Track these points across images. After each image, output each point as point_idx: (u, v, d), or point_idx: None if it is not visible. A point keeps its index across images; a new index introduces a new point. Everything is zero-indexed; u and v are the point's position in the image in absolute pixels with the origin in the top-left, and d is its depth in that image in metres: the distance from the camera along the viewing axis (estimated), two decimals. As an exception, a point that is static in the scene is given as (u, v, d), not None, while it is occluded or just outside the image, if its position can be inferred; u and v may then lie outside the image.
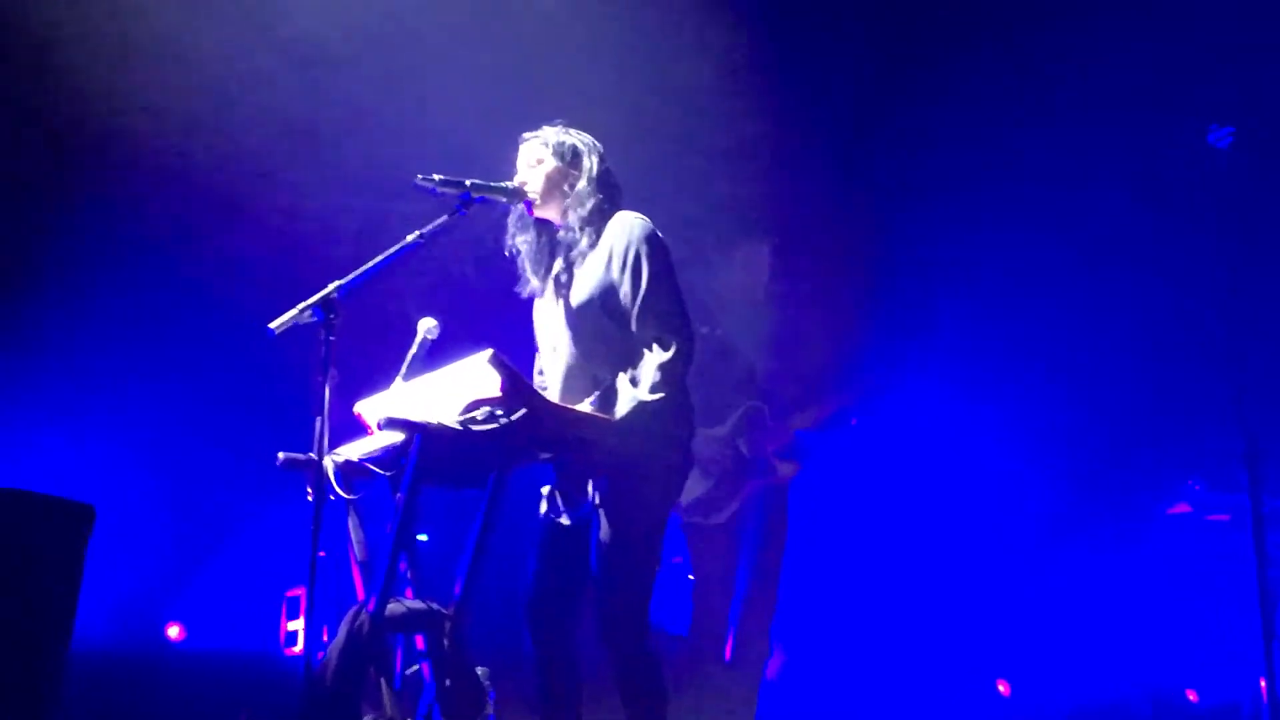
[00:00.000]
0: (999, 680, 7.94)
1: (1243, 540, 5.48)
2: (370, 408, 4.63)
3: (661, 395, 4.40)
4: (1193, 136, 5.46)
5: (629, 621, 4.46)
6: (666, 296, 4.55)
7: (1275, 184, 6.22)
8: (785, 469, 6.59)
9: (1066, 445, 7.75)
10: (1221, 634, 6.92)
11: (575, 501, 4.57)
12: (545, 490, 4.72)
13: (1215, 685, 7.20)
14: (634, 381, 4.44)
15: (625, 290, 4.55)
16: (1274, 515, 6.29)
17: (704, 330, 6.48)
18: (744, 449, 6.54)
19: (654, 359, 4.44)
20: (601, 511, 4.45)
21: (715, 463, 6.49)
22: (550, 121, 4.83)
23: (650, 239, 4.59)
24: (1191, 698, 7.43)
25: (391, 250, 4.53)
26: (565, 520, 4.60)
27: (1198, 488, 7.02)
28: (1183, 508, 7.08)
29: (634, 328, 4.54)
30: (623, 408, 4.40)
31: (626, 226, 4.62)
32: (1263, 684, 5.14)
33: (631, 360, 4.50)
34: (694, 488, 6.40)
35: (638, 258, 4.55)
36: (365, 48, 7.13)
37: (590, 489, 4.49)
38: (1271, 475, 5.45)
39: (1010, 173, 7.57)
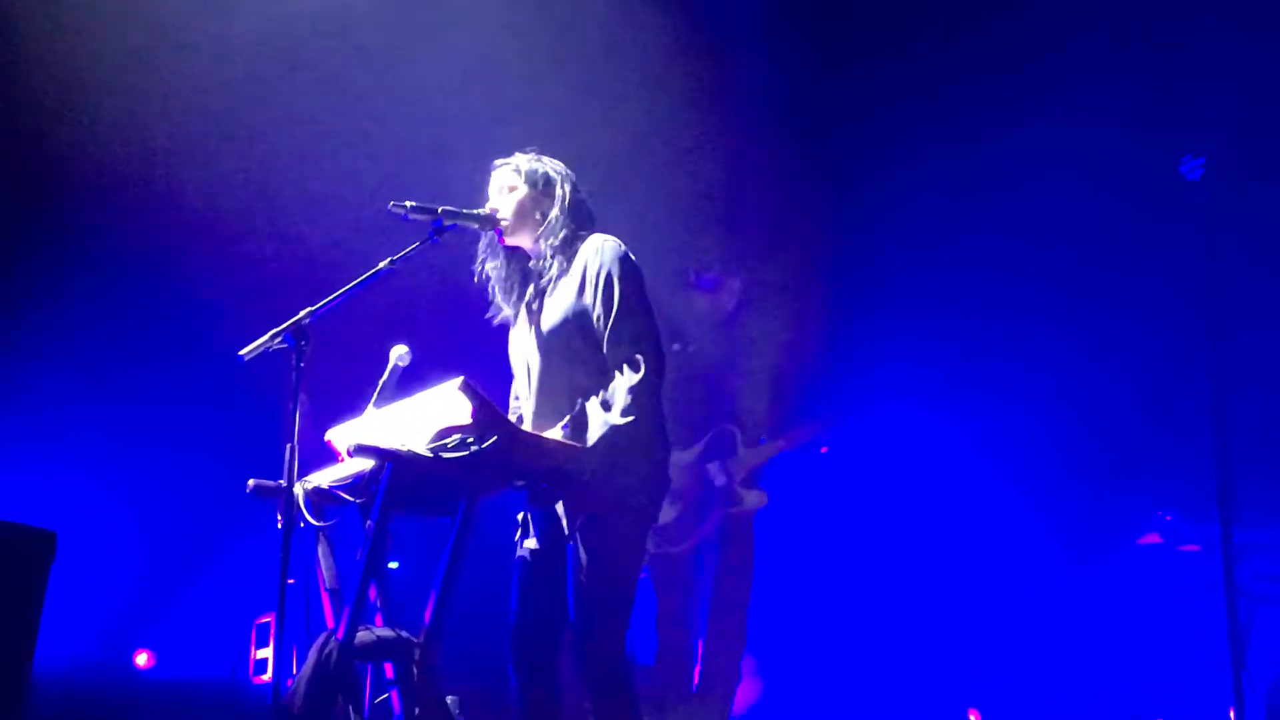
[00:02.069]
0: (971, 710, 7.93)
1: (1213, 571, 5.49)
2: (341, 435, 4.61)
3: (632, 418, 4.39)
4: (1169, 165, 5.48)
5: (605, 649, 4.44)
6: (638, 318, 4.54)
7: (1255, 213, 6.26)
8: (752, 499, 6.57)
9: (1039, 474, 7.75)
10: (1192, 664, 6.92)
11: (549, 529, 4.55)
12: (521, 517, 4.71)
13: (1186, 715, 7.20)
14: (605, 405, 4.43)
15: (597, 313, 4.55)
16: (1245, 547, 6.32)
17: (675, 347, 6.47)
18: (713, 475, 6.52)
19: (625, 381, 4.43)
20: (575, 539, 4.43)
21: (681, 490, 6.46)
22: (522, 148, 4.84)
23: (622, 261, 4.59)
24: (1162, 728, 7.43)
25: (363, 277, 4.53)
26: (533, 544, 4.59)
27: (1169, 518, 7.02)
28: (1154, 538, 7.09)
29: (605, 350, 4.53)
30: (594, 433, 4.39)
31: (598, 249, 4.62)
32: (1232, 714, 5.14)
33: (605, 383, 4.49)
34: (661, 515, 6.39)
35: (609, 279, 4.55)
36: (340, 71, 7.14)
37: (563, 516, 4.47)
38: (1244, 507, 5.46)
39: (990, 202, 7.59)
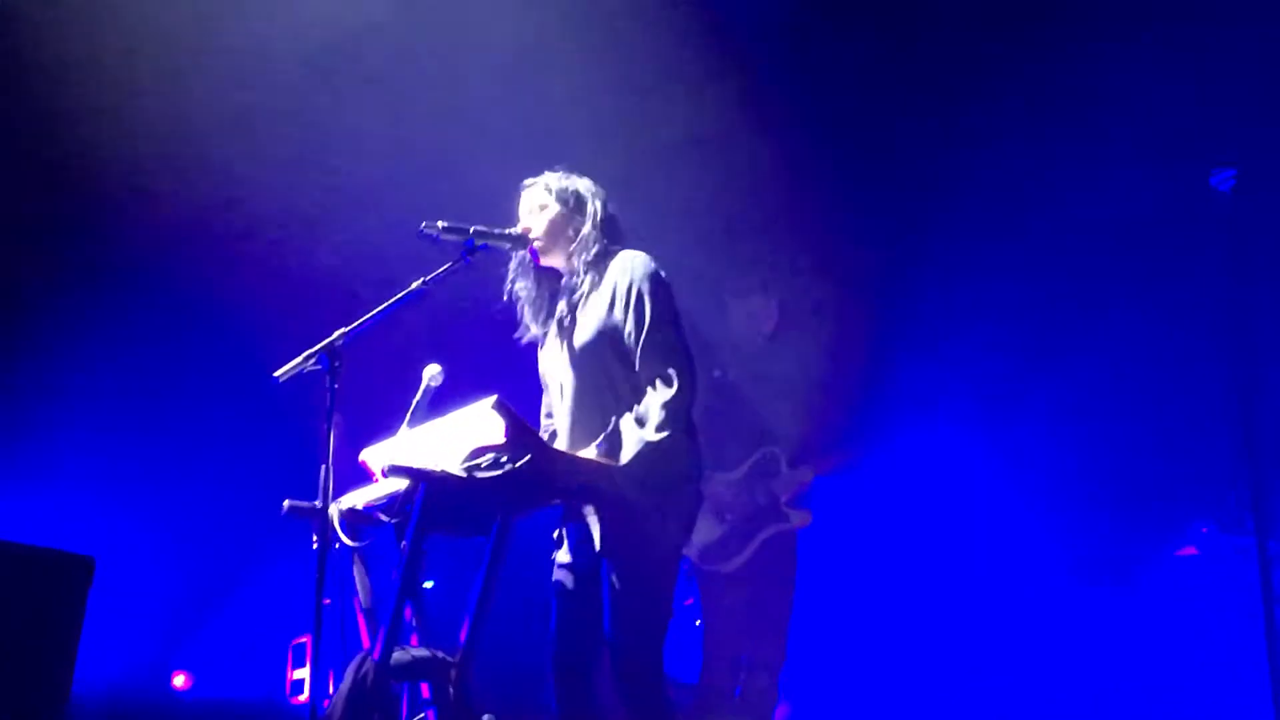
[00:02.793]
0: (1008, 725, 7.89)
1: (1251, 582, 5.46)
2: (375, 455, 4.62)
3: (667, 434, 4.38)
4: (1198, 178, 5.47)
5: (642, 667, 4.43)
6: (669, 334, 4.54)
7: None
8: (798, 518, 6.57)
9: (1074, 489, 7.72)
10: (1231, 676, 6.88)
11: (585, 546, 4.56)
12: (556, 535, 4.71)
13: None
14: (639, 421, 4.43)
15: (629, 329, 4.54)
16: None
17: (716, 374, 6.49)
18: (758, 495, 6.52)
19: (658, 397, 4.43)
20: (611, 556, 4.43)
21: (729, 508, 6.47)
22: (551, 167, 4.85)
23: (653, 277, 4.59)
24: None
25: (396, 297, 4.55)
26: (568, 558, 4.59)
27: (1206, 530, 6.99)
28: (1190, 550, 7.06)
29: (637, 366, 4.53)
30: (629, 450, 4.38)
31: (629, 265, 4.61)
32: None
33: (638, 399, 4.48)
34: (708, 533, 6.39)
35: (640, 296, 4.55)
36: (365, 87, 7.16)
37: (598, 534, 4.47)
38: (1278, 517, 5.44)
39: (1018, 215, 7.57)
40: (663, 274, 4.63)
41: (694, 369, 4.53)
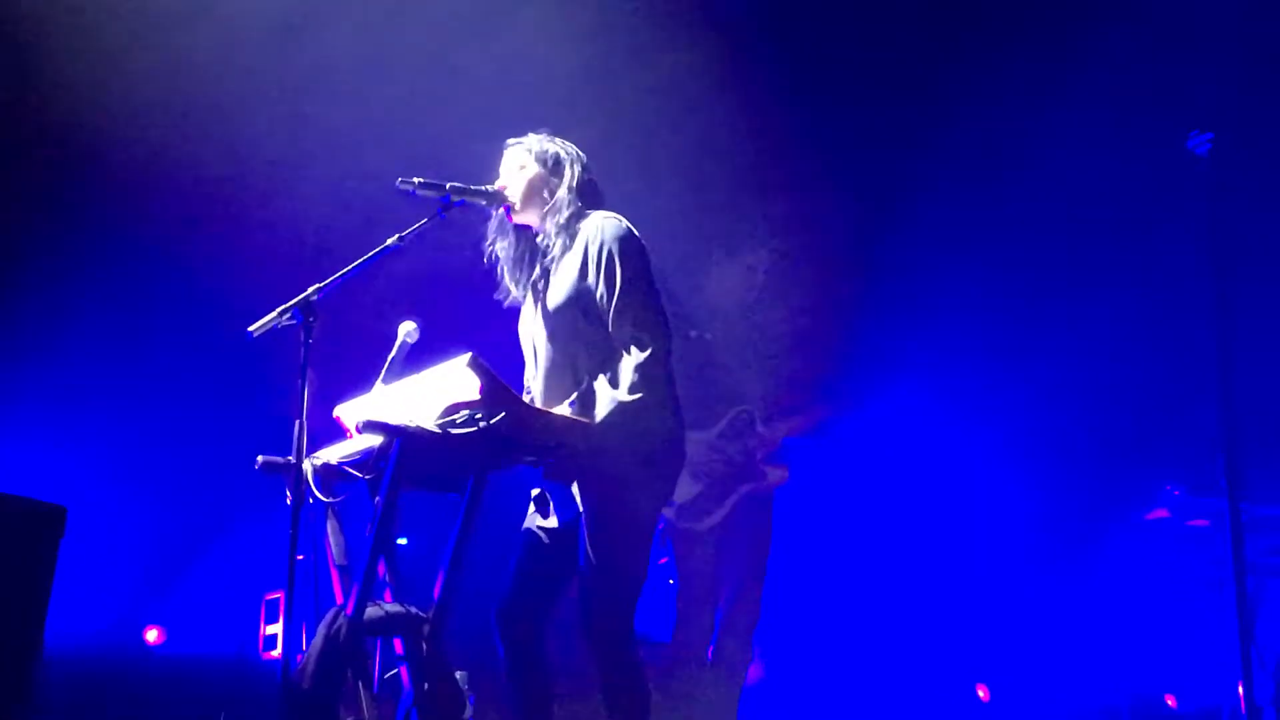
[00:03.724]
0: (979, 685, 7.94)
1: (1222, 546, 5.49)
2: (350, 411, 4.61)
3: (640, 395, 4.39)
4: (1175, 142, 5.47)
5: (614, 625, 4.46)
6: (642, 296, 4.54)
7: (1259, 190, 6.24)
8: (774, 474, 6.58)
9: (1047, 450, 7.76)
10: (1200, 639, 6.93)
11: (562, 505, 4.56)
12: (535, 493, 4.72)
13: (1194, 690, 7.21)
14: (613, 383, 4.44)
15: (601, 291, 4.54)
16: (1253, 522, 6.31)
17: (692, 334, 6.48)
18: (732, 453, 6.53)
19: (631, 360, 4.44)
20: (587, 515, 4.44)
21: (703, 467, 6.47)
22: (536, 129, 4.83)
23: (624, 238, 4.59)
24: (1170, 703, 7.44)
25: (371, 253, 4.54)
26: (553, 522, 4.60)
27: (1177, 493, 7.02)
28: (1162, 513, 7.09)
29: (610, 328, 4.53)
30: (602, 410, 4.40)
31: (599, 226, 4.61)
32: (1240, 689, 5.15)
33: (612, 361, 4.49)
34: (683, 491, 6.38)
35: (610, 257, 4.54)
36: (349, 51, 7.12)
37: (575, 492, 4.47)
38: (1251, 481, 5.46)
39: (997, 181, 7.58)
40: (635, 234, 4.63)
41: (668, 331, 4.54)
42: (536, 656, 4.61)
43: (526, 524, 4.72)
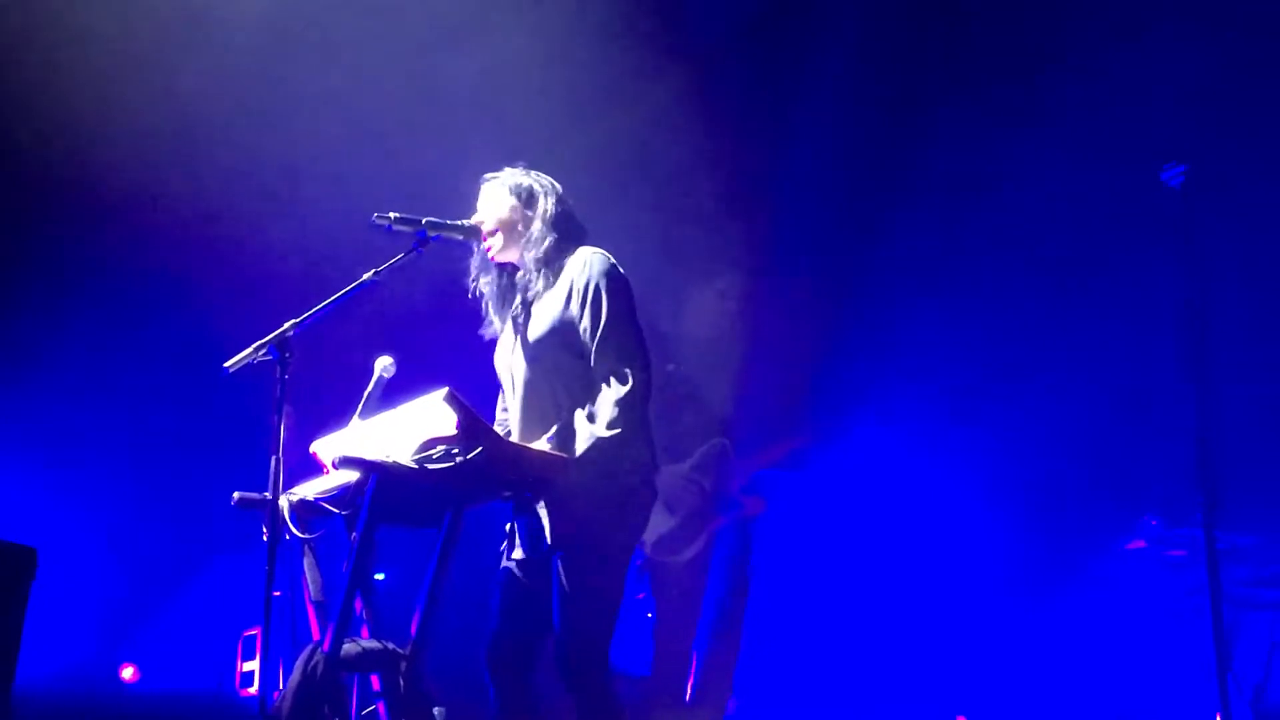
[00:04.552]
0: (959, 717, 7.93)
1: (1198, 576, 5.50)
2: (326, 446, 4.60)
3: (618, 431, 4.39)
4: (1151, 175, 5.51)
5: (590, 661, 4.43)
6: (625, 332, 4.54)
7: (1233, 222, 6.28)
8: (750, 505, 6.59)
9: (1025, 481, 7.76)
10: (1178, 669, 6.93)
11: (536, 540, 4.55)
12: (508, 528, 4.70)
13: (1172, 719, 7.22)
14: (591, 418, 4.44)
15: (585, 325, 4.54)
16: (1229, 552, 6.34)
17: (670, 367, 6.49)
18: (708, 486, 6.53)
19: (611, 394, 4.43)
20: (561, 550, 4.43)
21: (680, 500, 6.48)
22: (513, 162, 4.84)
23: (610, 274, 4.59)
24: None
25: (347, 289, 4.53)
26: (520, 555, 4.59)
27: (1155, 523, 7.04)
28: (1139, 544, 7.11)
29: (592, 363, 4.53)
30: (580, 445, 4.39)
31: (586, 262, 4.61)
32: (1218, 718, 5.15)
33: (592, 395, 4.49)
34: (659, 525, 6.39)
35: (598, 292, 4.55)
36: (331, 85, 7.14)
37: (549, 527, 4.47)
38: (1228, 512, 5.48)
39: (974, 214, 7.62)
40: (621, 271, 4.63)
41: (649, 366, 4.54)
42: (529, 702, 4.58)
43: (504, 562, 4.70)
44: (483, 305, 4.84)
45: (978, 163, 7.50)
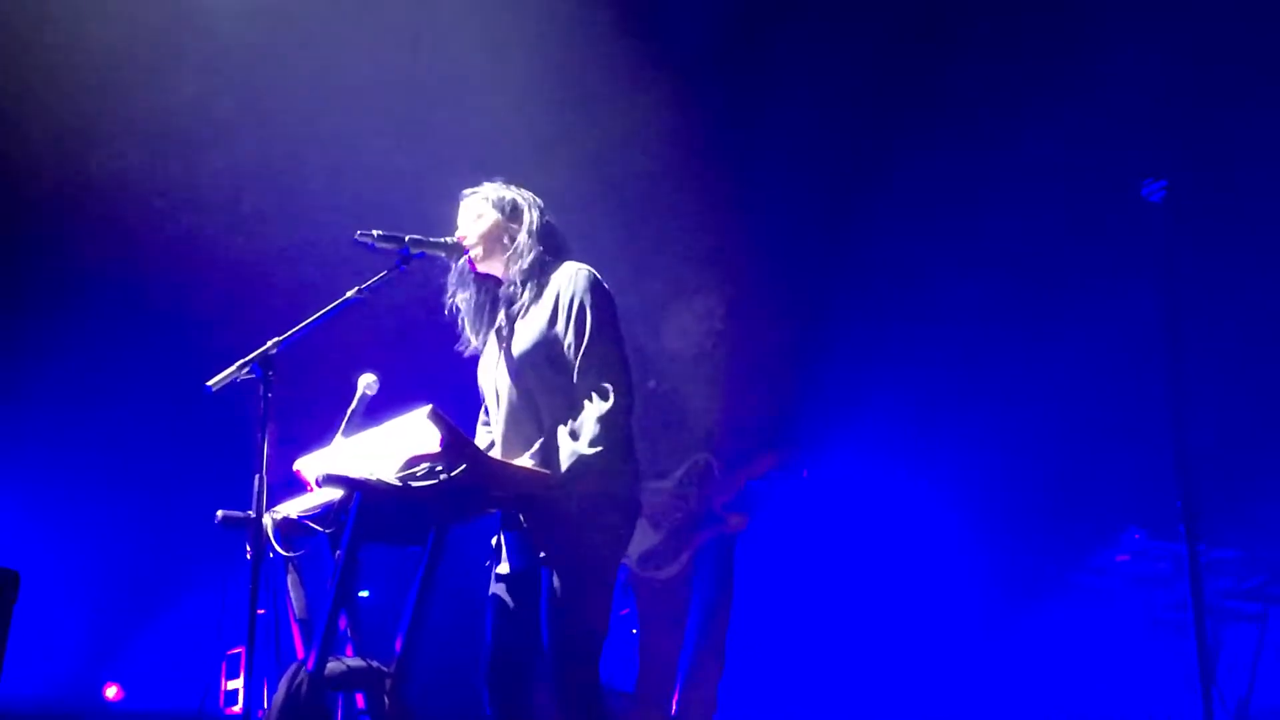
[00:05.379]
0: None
1: (1181, 588, 5.51)
2: (310, 464, 4.60)
3: (601, 448, 4.38)
4: (1129, 193, 5.53)
5: (579, 676, 4.42)
6: (609, 348, 4.53)
7: (1212, 239, 6.31)
8: (734, 521, 6.59)
9: (1005, 495, 7.78)
10: (1162, 682, 6.95)
11: (522, 554, 4.55)
12: (494, 542, 4.70)
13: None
14: (574, 434, 4.43)
15: (569, 340, 4.54)
16: (1212, 564, 6.36)
17: (651, 384, 6.49)
18: (692, 502, 6.53)
19: (593, 410, 4.43)
20: (547, 566, 4.43)
21: (664, 515, 6.47)
22: (492, 178, 4.84)
23: (594, 289, 4.59)
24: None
25: (331, 306, 4.53)
26: (505, 569, 4.59)
27: (1138, 536, 7.06)
28: (1123, 557, 7.13)
29: (575, 378, 4.52)
30: (563, 461, 4.39)
31: (571, 277, 4.61)
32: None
33: (575, 411, 4.49)
34: (643, 540, 6.38)
35: (582, 308, 4.55)
36: (311, 102, 7.14)
37: (535, 543, 4.46)
38: (1211, 525, 5.50)
39: (952, 225, 7.64)
40: (605, 286, 4.63)
41: (631, 383, 4.53)
42: (525, 716, 4.57)
43: (492, 584, 4.69)
44: (459, 321, 4.83)
45: (954, 177, 7.52)
